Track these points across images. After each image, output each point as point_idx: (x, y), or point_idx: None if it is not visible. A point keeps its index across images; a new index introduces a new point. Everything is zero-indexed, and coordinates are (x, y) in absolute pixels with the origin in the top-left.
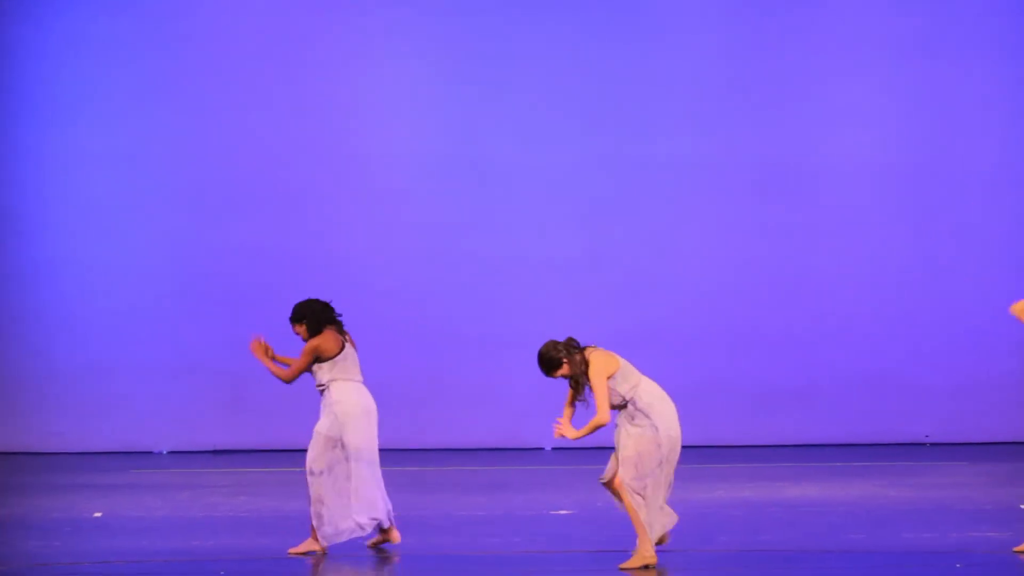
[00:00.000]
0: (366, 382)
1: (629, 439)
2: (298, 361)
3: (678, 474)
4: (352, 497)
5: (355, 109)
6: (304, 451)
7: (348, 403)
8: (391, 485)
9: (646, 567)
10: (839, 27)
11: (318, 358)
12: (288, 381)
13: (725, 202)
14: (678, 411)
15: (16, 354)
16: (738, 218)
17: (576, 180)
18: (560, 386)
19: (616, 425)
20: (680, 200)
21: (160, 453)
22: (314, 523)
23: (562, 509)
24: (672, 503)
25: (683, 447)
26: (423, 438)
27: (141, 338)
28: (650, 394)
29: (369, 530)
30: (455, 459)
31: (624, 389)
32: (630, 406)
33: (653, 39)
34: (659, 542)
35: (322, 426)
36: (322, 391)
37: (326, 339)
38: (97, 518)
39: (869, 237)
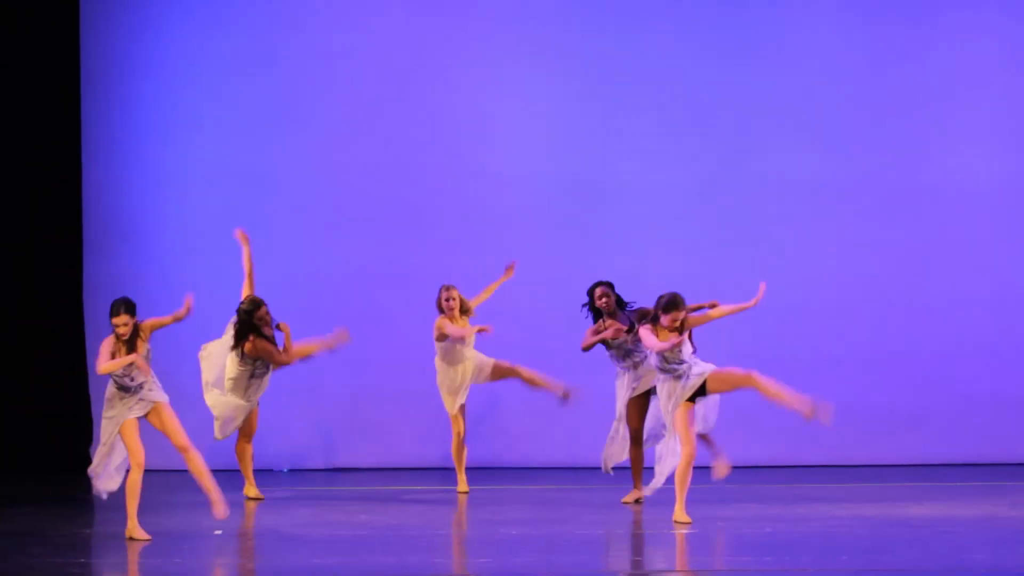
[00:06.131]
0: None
1: None
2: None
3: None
4: None
5: (481, 129)
6: (425, 469)
7: None
8: (520, 503)
9: None
10: (963, 44)
11: None
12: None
13: (846, 220)
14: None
15: None
16: (859, 236)
17: (698, 199)
18: None
19: None
20: (801, 218)
21: (281, 471)
22: None
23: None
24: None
25: (810, 467)
26: (553, 456)
27: None
28: None
29: None
30: (585, 477)
31: None
32: None
33: (774, 57)
34: None
35: None
36: None
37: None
38: (218, 535)
39: (992, 256)
